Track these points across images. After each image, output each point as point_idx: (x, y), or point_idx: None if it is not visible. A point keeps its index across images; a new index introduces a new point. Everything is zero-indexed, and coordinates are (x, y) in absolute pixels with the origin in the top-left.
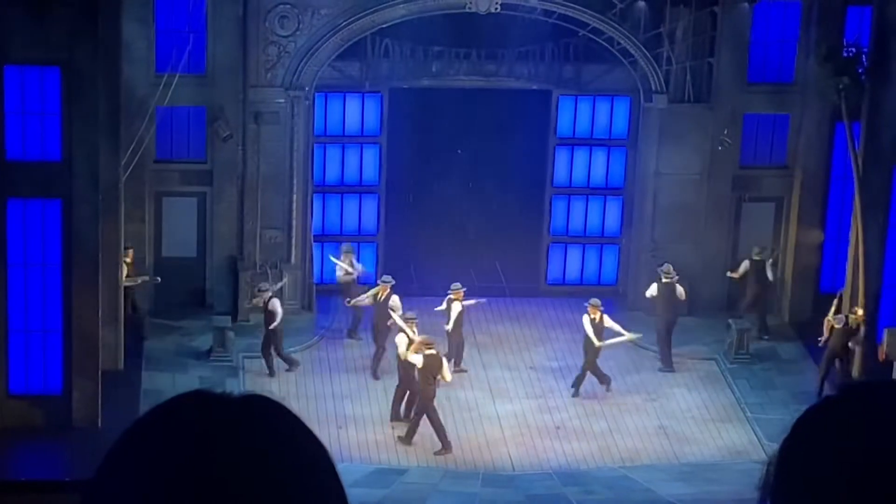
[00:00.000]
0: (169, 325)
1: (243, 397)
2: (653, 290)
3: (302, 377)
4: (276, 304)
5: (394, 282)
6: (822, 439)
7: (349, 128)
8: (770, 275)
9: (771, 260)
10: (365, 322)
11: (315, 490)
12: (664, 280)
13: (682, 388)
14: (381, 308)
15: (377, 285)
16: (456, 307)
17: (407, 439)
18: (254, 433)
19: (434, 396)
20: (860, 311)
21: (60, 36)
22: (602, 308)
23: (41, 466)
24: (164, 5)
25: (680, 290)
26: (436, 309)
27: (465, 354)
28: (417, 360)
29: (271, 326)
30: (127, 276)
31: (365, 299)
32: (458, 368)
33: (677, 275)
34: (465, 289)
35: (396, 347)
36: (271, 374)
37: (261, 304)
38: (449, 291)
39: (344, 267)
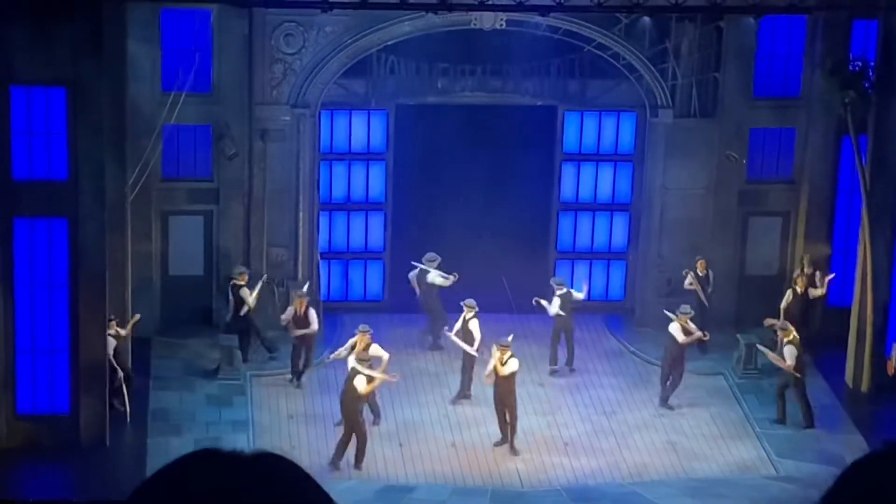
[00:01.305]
0: (176, 344)
1: (254, 456)
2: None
3: (309, 395)
4: (313, 312)
5: (371, 331)
6: (865, 494)
7: (355, 145)
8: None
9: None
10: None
11: None
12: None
13: (690, 404)
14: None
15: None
16: (473, 325)
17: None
18: (265, 492)
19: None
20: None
21: (66, 56)
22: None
23: (49, 487)
24: (170, 24)
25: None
26: (447, 333)
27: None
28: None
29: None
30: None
31: (343, 352)
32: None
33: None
34: (477, 308)
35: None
36: (298, 382)
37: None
38: (463, 307)
39: (438, 274)
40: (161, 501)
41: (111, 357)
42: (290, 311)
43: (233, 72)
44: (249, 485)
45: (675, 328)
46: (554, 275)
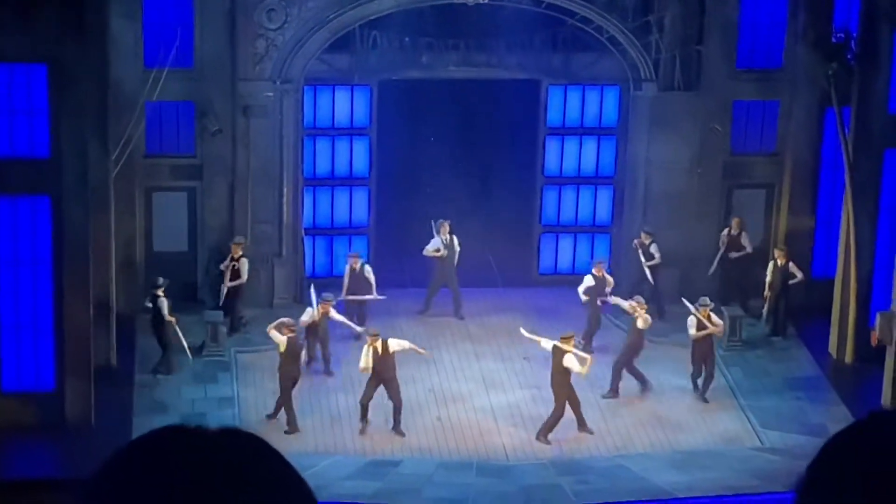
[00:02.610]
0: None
1: (219, 432)
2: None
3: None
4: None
5: (334, 300)
6: (849, 464)
7: (339, 120)
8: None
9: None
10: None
11: None
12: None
13: (675, 376)
14: (321, 326)
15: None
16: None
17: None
18: (230, 469)
19: (297, 379)
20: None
21: (47, 33)
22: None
23: (34, 464)
24: (152, 0)
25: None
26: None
27: (455, 343)
28: (281, 340)
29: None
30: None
31: (305, 319)
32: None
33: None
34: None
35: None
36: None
37: None
38: None
39: (437, 244)
40: (125, 479)
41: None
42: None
43: (215, 48)
44: (214, 461)
45: (691, 322)
46: (538, 249)
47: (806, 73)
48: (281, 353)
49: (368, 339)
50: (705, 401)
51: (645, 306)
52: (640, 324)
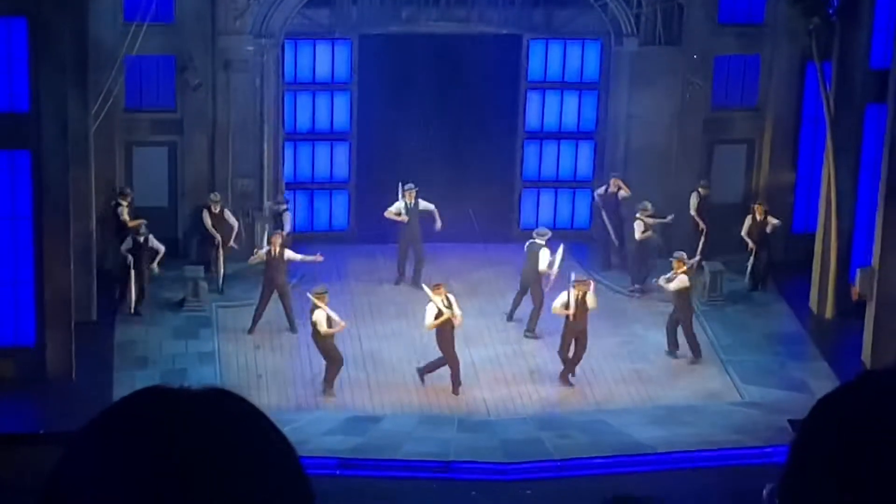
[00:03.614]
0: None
1: (201, 392)
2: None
3: (276, 326)
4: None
5: (284, 232)
6: (838, 426)
7: (319, 75)
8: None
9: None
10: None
11: (279, 484)
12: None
13: (655, 331)
14: (278, 262)
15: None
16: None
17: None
18: (214, 428)
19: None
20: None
21: None
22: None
23: (15, 419)
24: None
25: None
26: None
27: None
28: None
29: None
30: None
31: (257, 257)
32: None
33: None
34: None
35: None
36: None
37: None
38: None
39: (399, 207)
40: (107, 442)
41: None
42: (260, 253)
43: (195, 1)
44: (196, 421)
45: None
46: (519, 204)
47: (787, 27)
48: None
49: (434, 294)
50: (697, 360)
51: (685, 263)
52: (674, 285)
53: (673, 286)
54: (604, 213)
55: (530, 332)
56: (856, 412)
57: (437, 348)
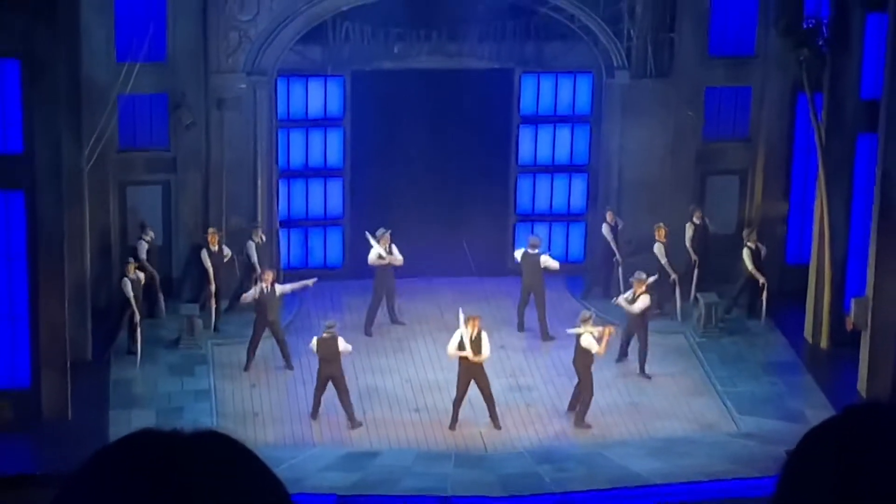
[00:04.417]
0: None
1: (194, 435)
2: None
3: (272, 363)
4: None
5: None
6: (825, 458)
7: (312, 112)
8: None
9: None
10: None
11: None
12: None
13: (651, 363)
14: (270, 299)
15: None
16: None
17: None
18: (206, 472)
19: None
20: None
21: (19, 27)
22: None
23: (11, 460)
24: None
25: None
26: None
27: (431, 333)
28: (313, 343)
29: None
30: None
31: (249, 296)
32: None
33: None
34: None
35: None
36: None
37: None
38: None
39: (378, 251)
40: (100, 485)
41: (132, 298)
42: (253, 292)
43: (188, 40)
44: (189, 464)
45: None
46: (513, 238)
47: (778, 59)
48: (317, 353)
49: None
50: (646, 376)
51: (644, 282)
52: (638, 306)
53: (638, 307)
54: (612, 242)
55: (548, 337)
56: (840, 446)
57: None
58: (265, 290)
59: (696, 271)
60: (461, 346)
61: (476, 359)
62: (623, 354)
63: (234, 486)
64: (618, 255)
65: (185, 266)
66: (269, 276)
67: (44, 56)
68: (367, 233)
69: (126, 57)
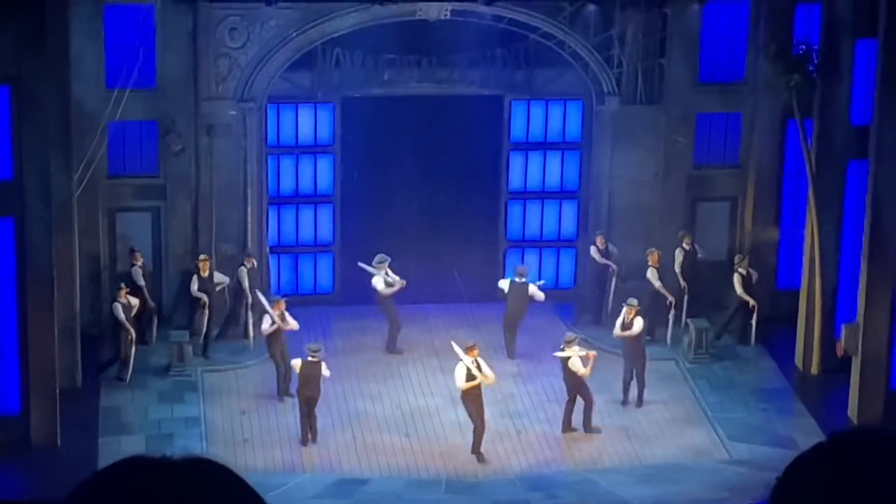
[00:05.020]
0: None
1: (184, 461)
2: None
3: (262, 389)
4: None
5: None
6: (812, 485)
7: (302, 138)
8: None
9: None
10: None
11: None
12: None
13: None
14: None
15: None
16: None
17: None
18: (195, 497)
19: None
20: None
21: (9, 53)
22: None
23: (0, 488)
24: (114, 20)
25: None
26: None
27: (422, 359)
28: (296, 364)
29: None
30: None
31: (270, 326)
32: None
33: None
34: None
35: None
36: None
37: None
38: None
39: (383, 279)
40: None
41: (125, 321)
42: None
43: (178, 67)
44: (179, 491)
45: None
46: (503, 264)
47: (768, 85)
48: (298, 375)
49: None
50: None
51: (635, 307)
52: (636, 329)
53: (636, 330)
54: (600, 261)
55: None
56: (828, 472)
57: (466, 412)
58: (276, 320)
59: (685, 297)
60: (470, 377)
61: (489, 380)
62: (626, 396)
63: None
64: (613, 267)
65: (176, 293)
66: (281, 305)
67: (33, 82)
68: (359, 263)
69: (116, 83)
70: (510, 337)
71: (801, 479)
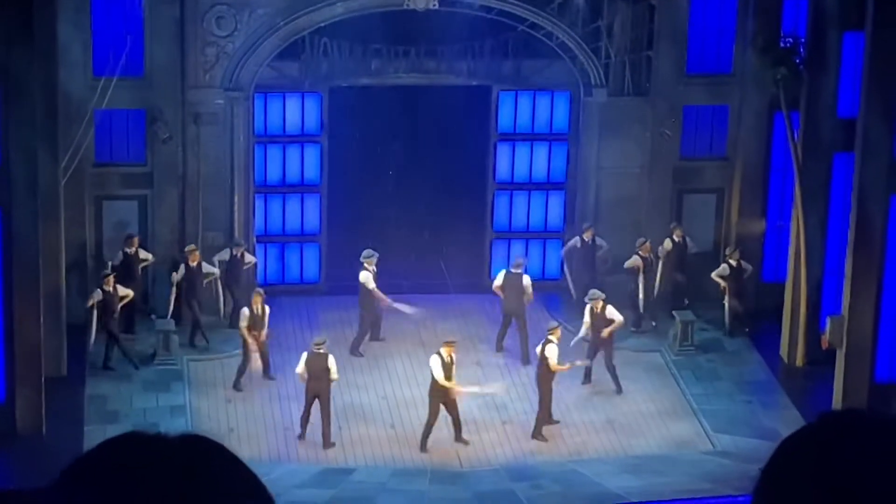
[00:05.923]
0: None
1: (179, 438)
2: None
3: (248, 379)
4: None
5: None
6: (801, 466)
7: (289, 127)
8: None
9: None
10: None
11: None
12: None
13: (627, 381)
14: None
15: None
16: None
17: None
18: (191, 475)
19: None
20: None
21: None
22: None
23: None
24: (101, 8)
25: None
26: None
27: (407, 350)
28: (302, 358)
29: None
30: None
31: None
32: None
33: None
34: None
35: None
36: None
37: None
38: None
39: (370, 277)
40: (85, 488)
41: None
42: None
43: (165, 55)
44: (175, 468)
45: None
46: (490, 255)
47: (755, 77)
48: (304, 369)
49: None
50: (617, 389)
51: (601, 300)
52: (617, 323)
53: (618, 318)
54: (567, 265)
55: (528, 361)
56: (818, 453)
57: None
58: (256, 311)
59: (671, 289)
60: (448, 371)
61: (453, 388)
62: (588, 377)
63: (220, 489)
64: (571, 286)
65: (162, 281)
66: (258, 297)
67: (21, 71)
68: (394, 303)
69: (103, 71)
70: (502, 332)
71: (790, 460)
